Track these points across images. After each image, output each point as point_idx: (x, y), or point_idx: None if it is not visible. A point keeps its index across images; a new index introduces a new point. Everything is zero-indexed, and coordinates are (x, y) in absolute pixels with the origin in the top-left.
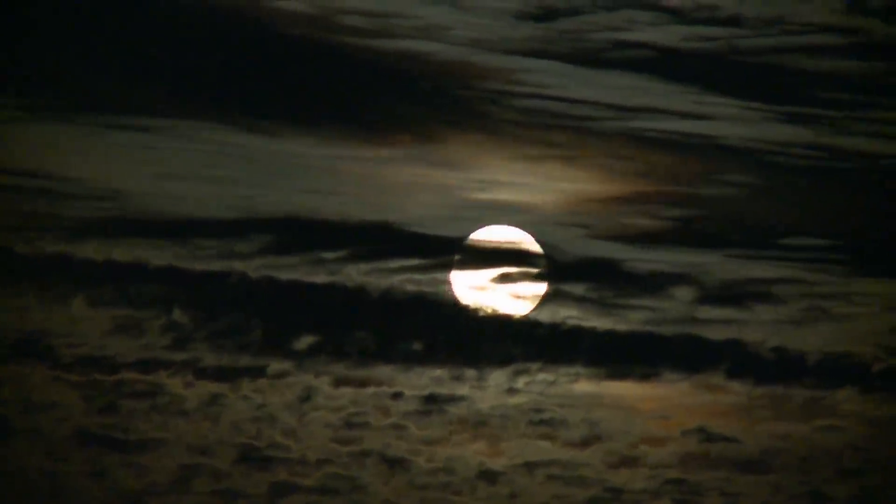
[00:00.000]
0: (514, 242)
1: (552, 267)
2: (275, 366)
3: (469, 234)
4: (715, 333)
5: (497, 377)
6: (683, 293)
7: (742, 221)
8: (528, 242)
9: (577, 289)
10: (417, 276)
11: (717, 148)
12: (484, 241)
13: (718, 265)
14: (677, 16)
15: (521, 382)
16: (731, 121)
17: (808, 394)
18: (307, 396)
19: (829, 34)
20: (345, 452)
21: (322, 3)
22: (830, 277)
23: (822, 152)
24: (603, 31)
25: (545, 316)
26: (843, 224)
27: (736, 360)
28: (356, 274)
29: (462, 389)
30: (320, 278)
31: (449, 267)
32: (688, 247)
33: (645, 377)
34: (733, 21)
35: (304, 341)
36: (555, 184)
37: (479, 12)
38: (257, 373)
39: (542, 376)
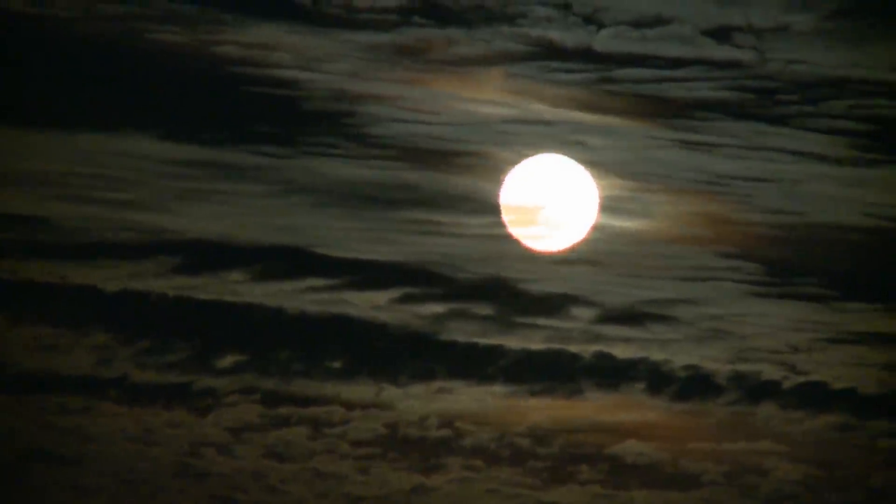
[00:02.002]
0: (417, 263)
1: (452, 286)
2: (202, 383)
3: (373, 255)
4: (624, 352)
5: (420, 395)
6: (583, 313)
7: (631, 242)
8: (427, 263)
9: (479, 308)
10: (325, 297)
11: (601, 172)
12: (389, 260)
13: (611, 286)
14: (551, 50)
15: (446, 400)
16: (612, 147)
17: (729, 410)
18: (238, 414)
19: (703, 67)
20: (279, 468)
21: (198, 35)
22: (723, 298)
23: (704, 174)
24: (481, 64)
25: (458, 335)
26: (730, 244)
27: (652, 377)
28: (263, 294)
29: (389, 407)
30: (237, 298)
31: (354, 287)
32: (579, 266)
33: (567, 394)
34: (607, 57)
35: (230, 360)
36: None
37: (355, 45)
38: (186, 390)
39: (464, 394)
